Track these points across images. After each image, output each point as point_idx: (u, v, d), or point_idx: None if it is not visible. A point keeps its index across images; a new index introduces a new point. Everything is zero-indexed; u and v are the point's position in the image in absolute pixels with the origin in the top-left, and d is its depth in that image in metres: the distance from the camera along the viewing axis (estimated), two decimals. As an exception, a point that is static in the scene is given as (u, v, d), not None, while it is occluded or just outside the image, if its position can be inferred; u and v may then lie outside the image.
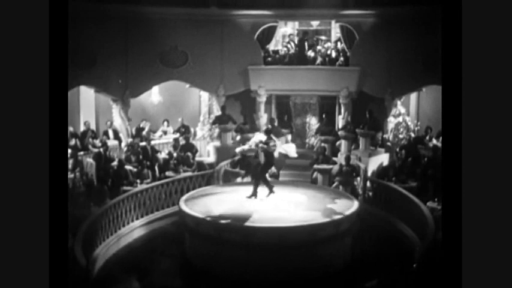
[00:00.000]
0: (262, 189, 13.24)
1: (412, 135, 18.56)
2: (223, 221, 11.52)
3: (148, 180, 15.40)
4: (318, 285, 11.16)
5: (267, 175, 13.61)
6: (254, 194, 13.12)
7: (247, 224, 11.36)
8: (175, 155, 17.16)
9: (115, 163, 15.80)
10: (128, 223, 13.63)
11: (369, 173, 16.15)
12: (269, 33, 19.86)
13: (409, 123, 18.91)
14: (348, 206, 12.38)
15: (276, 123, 19.00)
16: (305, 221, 11.50)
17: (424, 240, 11.21)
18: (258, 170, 13.33)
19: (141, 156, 16.41)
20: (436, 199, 13.05)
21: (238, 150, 14.85)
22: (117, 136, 18.74)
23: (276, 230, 11.26)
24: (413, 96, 20.07)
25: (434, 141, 18.38)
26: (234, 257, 11.37)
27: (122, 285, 6.94)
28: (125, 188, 14.44)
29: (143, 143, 17.56)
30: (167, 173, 16.13)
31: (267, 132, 13.18)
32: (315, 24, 21.12)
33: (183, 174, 15.97)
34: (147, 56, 18.46)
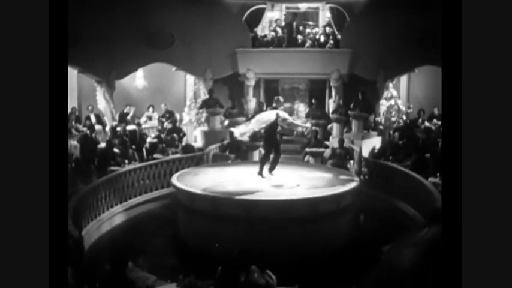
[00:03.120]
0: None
1: (404, 118, 18.25)
2: (220, 195, 10.96)
3: (136, 162, 14.79)
4: (319, 262, 10.65)
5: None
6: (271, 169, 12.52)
7: (246, 197, 10.83)
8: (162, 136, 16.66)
9: (102, 145, 15.19)
10: (116, 205, 13.02)
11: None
12: (257, 16, 19.40)
13: (401, 106, 18.60)
14: (348, 182, 11.94)
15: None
16: (306, 194, 11.03)
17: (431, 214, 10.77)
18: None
19: (125, 137, 15.79)
20: (438, 174, 12.66)
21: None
22: (99, 121, 18.17)
23: (277, 203, 10.73)
24: (403, 79, 19.81)
25: (426, 123, 18.19)
26: (232, 234, 10.73)
27: (113, 265, 6.39)
28: (112, 168, 13.80)
29: (132, 127, 16.99)
30: (155, 155, 15.54)
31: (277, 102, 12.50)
32: (302, 7, 20.67)
33: (171, 156, 15.40)
34: (133, 37, 17.77)
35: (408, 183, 13.04)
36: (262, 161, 12.55)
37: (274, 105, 12.70)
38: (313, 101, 19.44)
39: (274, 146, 12.44)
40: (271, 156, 12.56)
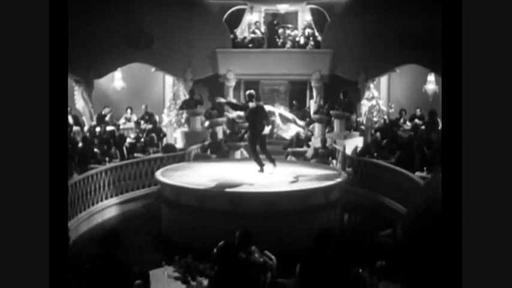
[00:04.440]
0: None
1: (385, 117, 18.22)
2: (207, 189, 10.71)
3: (117, 160, 14.47)
4: (307, 257, 10.41)
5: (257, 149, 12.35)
6: (261, 167, 12.16)
7: (233, 190, 10.60)
8: (142, 139, 16.36)
9: (80, 144, 14.81)
10: (97, 202, 12.67)
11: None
12: (237, 16, 19.30)
13: (382, 106, 18.57)
14: (336, 176, 11.81)
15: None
16: (294, 187, 10.86)
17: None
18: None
19: (107, 136, 15.47)
20: (424, 168, 12.58)
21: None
22: (77, 122, 17.79)
23: (265, 195, 10.52)
24: (384, 80, 19.82)
25: (408, 123, 18.24)
26: (218, 229, 10.42)
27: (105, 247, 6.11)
28: (93, 165, 13.45)
29: (111, 128, 16.64)
30: (136, 154, 15.23)
31: (250, 96, 12.10)
32: (281, 9, 20.58)
33: (153, 155, 15.11)
34: (112, 37, 17.46)
35: (394, 178, 12.93)
36: (255, 157, 12.30)
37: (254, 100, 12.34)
38: (293, 102, 19.35)
39: (260, 140, 12.22)
40: (261, 155, 12.36)
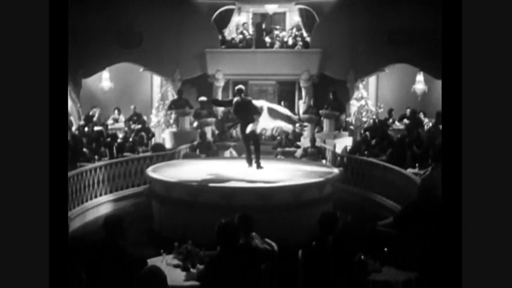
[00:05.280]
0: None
1: (374, 117, 18.25)
2: (199, 184, 10.61)
3: (107, 159, 14.33)
4: (302, 252, 10.34)
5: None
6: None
7: (226, 184, 10.51)
8: (130, 139, 16.22)
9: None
10: (86, 201, 12.51)
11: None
12: (226, 17, 19.26)
13: (371, 106, 18.62)
14: (328, 172, 11.77)
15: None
16: (288, 182, 10.79)
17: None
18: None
19: (93, 135, 15.35)
20: (416, 164, 12.60)
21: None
22: (64, 122, 17.61)
23: (258, 190, 10.44)
24: (372, 80, 19.86)
25: (397, 123, 18.28)
26: (211, 224, 10.37)
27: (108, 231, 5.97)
28: (82, 163, 13.30)
29: (99, 128, 16.50)
30: (125, 154, 15.09)
31: (238, 91, 11.87)
32: (270, 10, 20.57)
33: (142, 154, 14.98)
34: (102, 36, 17.36)
35: (386, 176, 12.92)
36: (248, 156, 12.26)
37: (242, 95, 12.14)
38: (282, 103, 19.30)
39: (254, 138, 12.13)
40: (253, 150, 12.27)
